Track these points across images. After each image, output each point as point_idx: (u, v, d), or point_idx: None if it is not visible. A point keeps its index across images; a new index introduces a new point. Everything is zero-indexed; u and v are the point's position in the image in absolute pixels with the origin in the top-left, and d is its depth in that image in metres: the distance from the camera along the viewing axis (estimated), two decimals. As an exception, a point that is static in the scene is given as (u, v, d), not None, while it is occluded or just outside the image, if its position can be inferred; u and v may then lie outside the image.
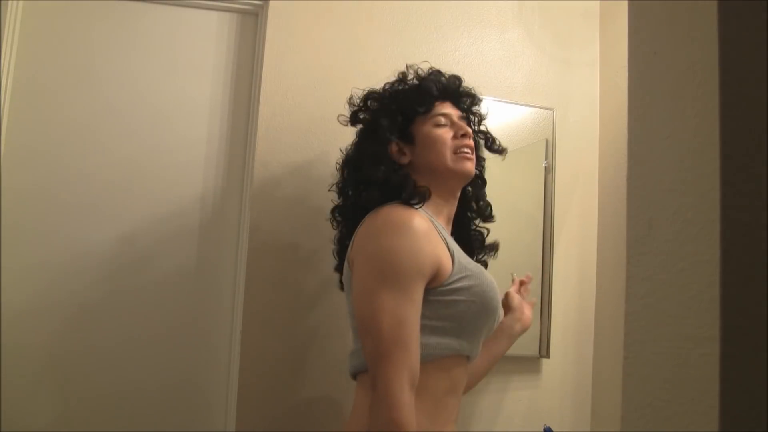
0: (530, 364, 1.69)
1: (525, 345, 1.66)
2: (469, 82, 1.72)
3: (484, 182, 1.37)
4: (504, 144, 1.37)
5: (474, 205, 1.35)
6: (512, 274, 1.49)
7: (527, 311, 1.42)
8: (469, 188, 1.32)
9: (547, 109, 1.75)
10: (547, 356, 1.67)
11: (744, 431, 0.54)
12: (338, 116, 1.33)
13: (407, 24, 1.66)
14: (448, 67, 1.60)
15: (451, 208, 1.26)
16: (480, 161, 1.33)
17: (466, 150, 1.22)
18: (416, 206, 1.16)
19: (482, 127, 1.36)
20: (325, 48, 1.58)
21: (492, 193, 1.69)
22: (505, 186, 1.74)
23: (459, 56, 1.70)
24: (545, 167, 1.73)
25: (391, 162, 1.21)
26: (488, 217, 1.36)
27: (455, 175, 1.22)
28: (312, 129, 1.54)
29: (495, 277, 1.27)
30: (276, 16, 1.56)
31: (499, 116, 1.73)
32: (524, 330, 1.41)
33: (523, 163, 1.76)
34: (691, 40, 0.60)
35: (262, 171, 1.50)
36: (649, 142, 0.64)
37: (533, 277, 1.51)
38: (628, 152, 0.67)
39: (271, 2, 1.56)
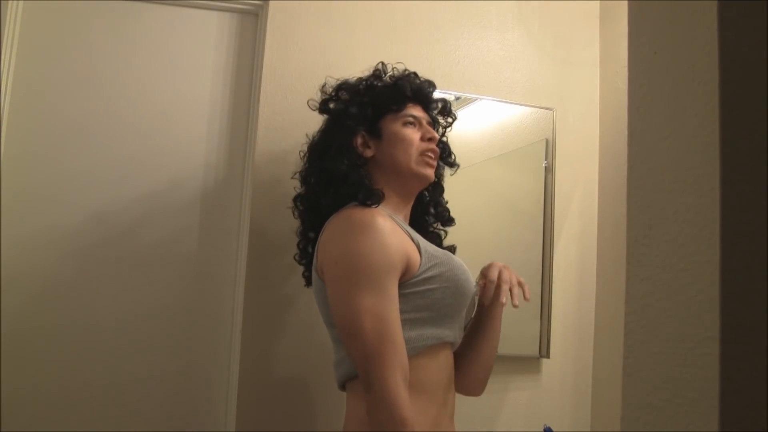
0: (530, 364, 1.69)
1: (525, 345, 1.67)
2: (469, 82, 1.72)
3: (442, 189, 1.38)
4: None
5: (432, 209, 1.36)
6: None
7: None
8: (426, 193, 1.33)
9: (547, 109, 1.75)
10: (547, 356, 1.67)
11: (744, 431, 0.54)
12: (308, 101, 1.33)
13: (407, 24, 1.66)
14: (448, 67, 1.60)
15: (408, 208, 1.27)
16: (439, 168, 1.33)
17: (430, 154, 1.23)
18: (373, 206, 1.16)
19: (444, 138, 1.37)
20: (325, 48, 1.58)
21: (492, 193, 1.69)
22: (505, 186, 1.74)
23: (459, 56, 1.70)
24: (545, 167, 1.73)
25: (355, 155, 1.22)
26: (447, 222, 1.36)
27: (416, 178, 1.23)
28: (312, 129, 1.54)
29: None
30: (276, 16, 1.56)
31: (499, 116, 1.73)
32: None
33: (523, 163, 1.76)
34: (691, 40, 0.60)
35: (262, 171, 1.50)
36: (649, 142, 0.64)
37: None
38: (628, 152, 0.67)
39: (271, 2, 1.56)
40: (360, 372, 1.06)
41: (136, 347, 1.51)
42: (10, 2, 1.48)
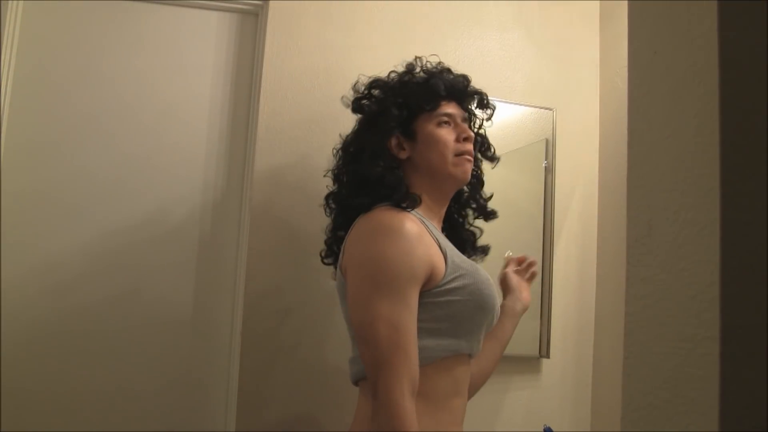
0: (530, 364, 1.69)
1: (525, 345, 1.67)
2: (468, 81, 1.71)
3: (482, 183, 1.36)
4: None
5: (473, 203, 1.33)
6: (507, 254, 1.42)
7: (525, 290, 1.39)
8: (465, 188, 1.31)
9: (547, 109, 1.75)
10: (547, 356, 1.67)
11: (744, 431, 0.54)
12: (342, 97, 1.32)
13: (407, 24, 1.66)
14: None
15: (443, 209, 1.26)
16: (476, 162, 1.32)
17: (466, 155, 1.22)
18: (406, 209, 1.15)
19: (481, 131, 1.35)
20: (325, 48, 1.58)
21: (492, 192, 1.69)
22: (505, 186, 1.74)
23: (459, 56, 1.70)
24: (545, 167, 1.73)
25: (390, 157, 1.20)
26: (490, 215, 1.34)
27: (453, 179, 1.21)
28: (312, 129, 1.55)
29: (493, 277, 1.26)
30: (276, 16, 1.56)
31: (499, 116, 1.72)
32: (525, 309, 1.37)
33: (523, 163, 1.76)
34: (691, 40, 0.60)
35: (262, 171, 1.50)
36: (649, 142, 0.64)
37: (535, 260, 1.44)
38: (628, 152, 0.67)
39: (271, 2, 1.56)
40: (369, 377, 1.05)
41: (136, 350, 1.51)
42: (10, 2, 1.48)
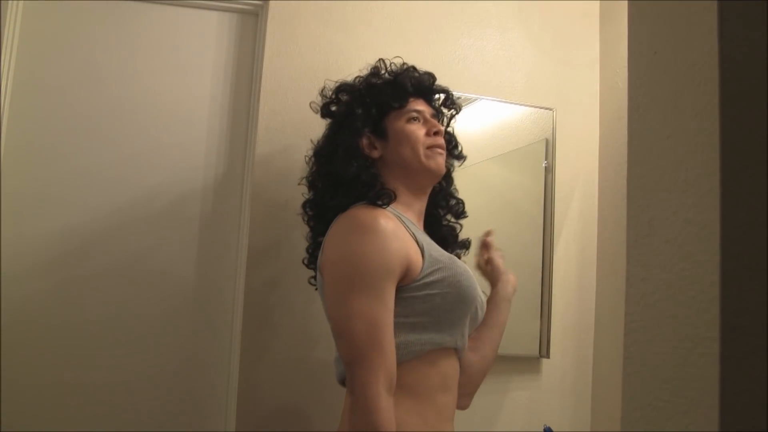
0: (530, 364, 1.69)
1: (525, 345, 1.67)
2: (469, 82, 1.72)
3: (452, 180, 1.37)
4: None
5: (444, 202, 1.34)
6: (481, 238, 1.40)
7: (507, 271, 1.38)
8: (440, 185, 1.32)
9: (547, 109, 1.75)
10: (547, 356, 1.67)
11: (744, 431, 0.54)
12: (310, 103, 1.33)
13: (407, 24, 1.66)
14: (448, 67, 1.60)
15: (422, 204, 1.26)
16: (447, 159, 1.32)
17: (438, 148, 1.23)
18: (382, 206, 1.15)
19: (449, 129, 1.36)
20: (325, 48, 1.58)
21: (492, 193, 1.69)
22: (505, 186, 1.74)
23: (459, 56, 1.70)
24: (545, 167, 1.73)
25: (363, 157, 1.21)
26: (460, 214, 1.35)
27: (427, 172, 1.22)
28: (312, 129, 1.54)
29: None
30: (276, 16, 1.56)
31: (499, 116, 1.73)
32: (515, 289, 1.37)
33: (523, 163, 1.76)
34: (691, 40, 0.60)
35: (262, 170, 1.50)
36: (649, 142, 0.64)
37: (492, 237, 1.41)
38: (628, 152, 0.67)
39: (271, 2, 1.56)
40: (346, 374, 1.07)
41: (136, 347, 1.51)
42: (10, 2, 1.48)
